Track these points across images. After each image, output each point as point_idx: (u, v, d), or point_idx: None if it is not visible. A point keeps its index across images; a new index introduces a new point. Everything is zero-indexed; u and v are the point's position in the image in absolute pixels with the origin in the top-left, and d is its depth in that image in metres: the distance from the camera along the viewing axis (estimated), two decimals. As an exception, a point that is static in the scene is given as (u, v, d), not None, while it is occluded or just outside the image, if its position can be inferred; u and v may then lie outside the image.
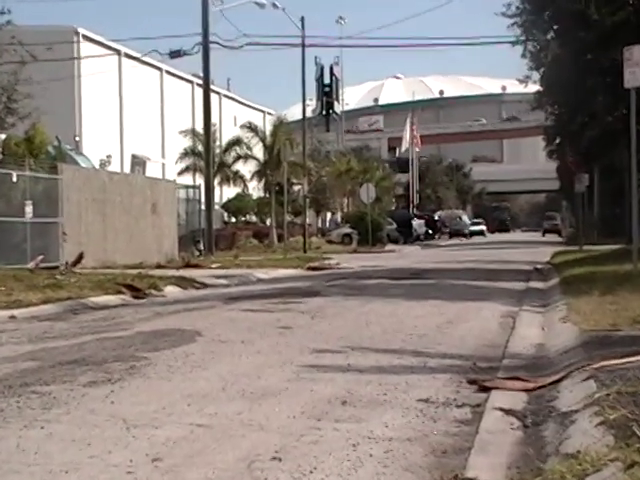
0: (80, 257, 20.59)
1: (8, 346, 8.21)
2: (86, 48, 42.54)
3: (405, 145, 79.35)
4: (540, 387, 5.95)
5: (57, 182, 22.01)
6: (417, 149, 79.52)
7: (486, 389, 5.88)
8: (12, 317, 10.68)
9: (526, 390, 5.89)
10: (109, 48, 44.81)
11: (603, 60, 23.22)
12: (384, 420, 5.08)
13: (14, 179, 20.39)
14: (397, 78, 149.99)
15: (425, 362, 7.21)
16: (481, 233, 79.20)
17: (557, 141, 40.63)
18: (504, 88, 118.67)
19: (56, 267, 19.61)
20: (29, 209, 20.60)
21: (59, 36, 36.72)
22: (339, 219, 52.80)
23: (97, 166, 31.49)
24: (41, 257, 19.84)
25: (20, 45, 24.38)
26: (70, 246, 21.60)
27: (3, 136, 24.70)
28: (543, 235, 74.96)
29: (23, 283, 14.08)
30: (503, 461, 4.22)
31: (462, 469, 4.04)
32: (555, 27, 26.19)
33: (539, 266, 23.30)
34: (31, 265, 18.89)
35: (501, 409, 5.25)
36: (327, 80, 41.71)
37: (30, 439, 4.61)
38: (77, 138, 41.35)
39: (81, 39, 42.78)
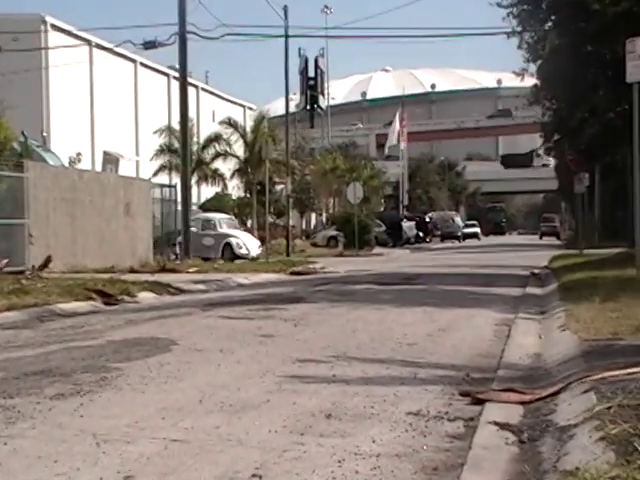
0: (47, 261, 20.49)
1: (-30, 356, 8.16)
2: (55, 38, 42.39)
3: (391, 141, 79.40)
4: (537, 399, 5.97)
5: (23, 180, 21.89)
6: (402, 145, 79.65)
7: (480, 402, 5.89)
8: (-26, 325, 10.62)
9: (522, 403, 5.91)
10: (79, 38, 44.66)
11: (604, 52, 23.37)
12: (371, 435, 5.08)
13: (-23, 177, 20.28)
14: (386, 71, 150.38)
15: (415, 373, 7.21)
16: (475, 236, 79.45)
17: (555, 138, 40.81)
18: (500, 82, 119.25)
19: (22, 271, 19.50)
20: (-7, 209, 20.48)
21: (26, 25, 36.59)
22: (324, 220, 52.94)
23: (66, 164, 31.37)
24: (5, 261, 19.73)
25: (-17, 34, 24.32)
26: (37, 249, 21.49)
27: (-35, 131, 24.57)
28: (541, 238, 75.29)
29: (-14, 289, 14.00)
30: (498, 479, 4.23)
31: (454, 487, 4.05)
32: (553, 17, 26.33)
33: (536, 271, 23.39)
34: (-5, 269, 18.77)
35: (496, 423, 5.26)
36: (312, 73, 41.75)
37: (-7, 456, 4.58)
38: (45, 134, 41.22)
39: (49, 28, 42.63)
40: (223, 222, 35.82)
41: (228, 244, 34.01)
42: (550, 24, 26.85)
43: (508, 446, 4.84)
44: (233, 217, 40.19)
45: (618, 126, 26.04)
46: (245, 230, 47.45)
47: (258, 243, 35.07)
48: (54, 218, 22.99)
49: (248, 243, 34.48)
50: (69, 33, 44.38)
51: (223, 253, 33.75)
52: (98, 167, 42.34)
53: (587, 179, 33.34)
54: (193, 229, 32.42)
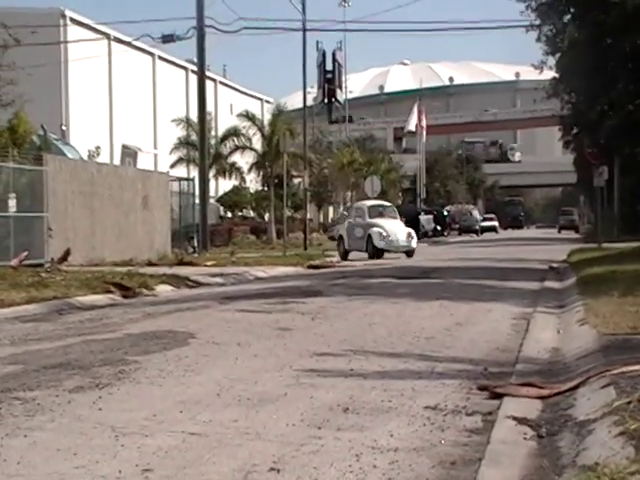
0: (66, 254, 20.58)
1: (-11, 349, 8.21)
2: (73, 32, 42.52)
3: (408, 128, 79.04)
4: (556, 394, 5.94)
5: (42, 174, 22.00)
6: (423, 140, 79.45)
7: (498, 396, 5.87)
8: (-6, 318, 10.68)
9: (541, 397, 5.88)
10: (98, 32, 44.82)
11: (624, 45, 23.21)
12: (389, 429, 5.07)
13: (-4, 171, 20.39)
14: (404, 64, 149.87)
15: (433, 367, 7.20)
16: (493, 229, 79.13)
17: (574, 131, 40.58)
18: (518, 75, 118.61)
19: (41, 264, 19.61)
20: (12, 203, 20.59)
21: (45, 19, 36.73)
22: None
23: (85, 157, 31.48)
24: (25, 254, 19.84)
25: (3, 28, 24.41)
26: (56, 242, 21.60)
27: (-16, 125, 24.68)
28: (559, 232, 74.92)
29: (6, 281, 14.09)
30: (516, 473, 4.21)
31: (472, 482, 4.04)
32: (572, 10, 26.18)
33: (555, 265, 23.28)
34: (14, 262, 18.88)
35: (514, 417, 5.24)
36: (329, 66, 41.62)
37: (12, 448, 4.61)
38: (64, 127, 41.40)
39: (68, 22, 42.76)
40: (371, 209, 31.74)
41: (369, 236, 29.96)
42: (569, 17, 26.71)
43: (526, 441, 4.82)
44: (386, 203, 34.85)
45: (637, 119, 25.89)
46: (261, 223, 47.54)
47: (408, 232, 30.60)
48: (73, 211, 23.09)
49: (396, 233, 29.96)
50: (88, 27, 44.53)
51: (367, 247, 30.11)
52: (117, 160, 42.48)
53: (606, 172, 33.14)
54: (350, 220, 31.79)
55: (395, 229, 30.20)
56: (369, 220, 30.53)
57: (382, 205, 33.49)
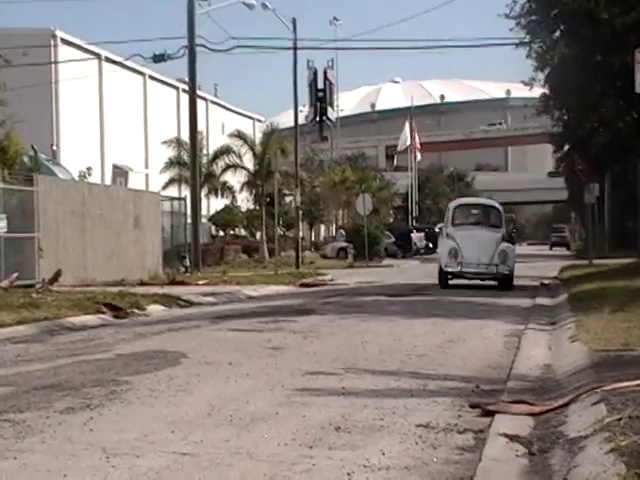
0: (57, 274, 20.52)
1: (-20, 370, 8.18)
2: (64, 52, 42.56)
3: (402, 145, 79.29)
4: (547, 411, 5.96)
5: (33, 194, 21.96)
6: (418, 157, 79.62)
7: (490, 413, 5.89)
8: (-16, 339, 10.64)
9: (532, 414, 5.89)
10: (89, 52, 44.85)
11: (613, 62, 23.36)
12: (381, 447, 5.07)
13: (-13, 191, 20.35)
14: (395, 82, 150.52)
15: (425, 385, 7.20)
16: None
17: (565, 148, 40.77)
18: (508, 92, 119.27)
19: (32, 285, 19.55)
20: (3, 223, 20.53)
21: (35, 39, 36.67)
22: (343, 232, 52.83)
23: (76, 177, 31.47)
24: (15, 274, 19.78)
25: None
26: (47, 263, 21.54)
27: (-25, 146, 24.69)
28: (551, 248, 75.06)
29: (-4, 302, 14.03)
30: (507, 491, 4.22)
31: (464, 499, 4.04)
32: (562, 27, 26.35)
33: (546, 281, 23.36)
34: (5, 283, 18.82)
35: (505, 435, 5.25)
36: (321, 85, 41.69)
37: (2, 471, 4.59)
38: (54, 147, 41.36)
39: (59, 42, 42.81)
40: (459, 212, 23.69)
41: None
42: (559, 34, 26.87)
43: (518, 458, 4.83)
44: (488, 202, 26.67)
45: (627, 136, 26.02)
46: (253, 242, 47.53)
47: (501, 250, 21.55)
48: (64, 232, 23.04)
49: (476, 251, 21.64)
50: (79, 47, 44.57)
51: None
52: (108, 180, 42.50)
53: (597, 190, 33.26)
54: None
55: (476, 244, 21.49)
56: (450, 229, 22.53)
57: (479, 205, 25.18)
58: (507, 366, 8.32)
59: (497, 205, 24.53)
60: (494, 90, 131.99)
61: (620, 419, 4.94)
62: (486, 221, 22.96)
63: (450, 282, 21.99)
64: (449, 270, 21.68)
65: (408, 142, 77.48)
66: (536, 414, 5.90)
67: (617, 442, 4.45)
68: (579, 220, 63.66)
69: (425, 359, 8.85)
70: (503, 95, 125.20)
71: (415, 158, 78.64)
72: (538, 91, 32.34)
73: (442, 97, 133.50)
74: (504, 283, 21.26)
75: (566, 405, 5.98)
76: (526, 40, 27.09)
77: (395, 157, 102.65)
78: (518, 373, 7.87)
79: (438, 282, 21.81)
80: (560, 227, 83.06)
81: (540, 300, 17.50)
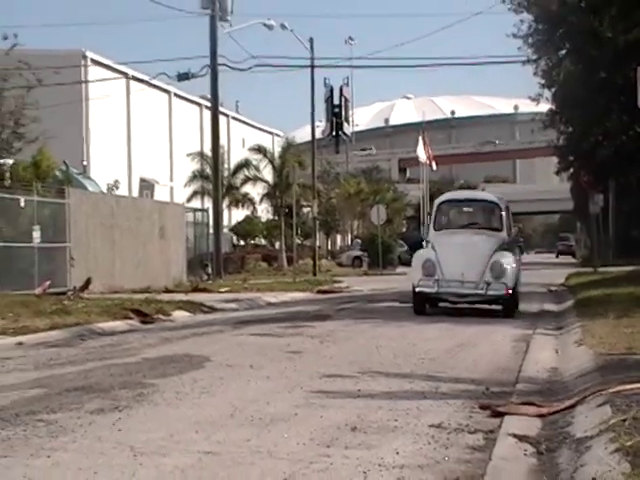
0: (88, 282, 20.63)
1: (15, 373, 8.22)
2: (94, 71, 42.84)
3: (422, 158, 79.22)
4: (554, 412, 5.93)
5: (64, 207, 22.10)
6: (434, 168, 79.44)
7: (499, 414, 5.86)
8: (19, 344, 10.69)
9: (540, 415, 5.87)
10: (117, 71, 45.10)
11: (616, 78, 23.30)
12: (395, 447, 5.06)
13: (22, 204, 20.49)
14: (407, 98, 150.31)
15: (437, 387, 7.19)
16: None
17: (570, 159, 40.64)
18: (516, 107, 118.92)
19: (64, 292, 19.64)
20: (37, 234, 20.67)
21: (67, 60, 36.99)
22: (359, 241, 52.84)
23: (105, 190, 31.62)
24: (48, 282, 19.89)
25: (27, 69, 24.64)
26: (78, 271, 21.65)
27: (10, 161, 24.84)
28: (557, 257, 74.79)
29: (30, 309, 14.09)
30: (517, 488, 4.20)
31: (475, 497, 4.03)
32: (567, 45, 26.32)
33: (553, 288, 23.25)
34: (38, 291, 18.92)
35: (515, 435, 5.23)
36: (337, 101, 41.79)
37: (36, 468, 4.61)
38: (85, 162, 41.56)
39: (89, 62, 43.09)
40: (445, 210, 16.98)
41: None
42: (564, 52, 26.84)
43: (527, 457, 4.81)
44: (486, 196, 18.80)
45: (631, 149, 25.93)
46: (273, 250, 47.50)
47: (499, 265, 14.95)
48: (94, 242, 23.16)
49: (462, 266, 15.07)
50: (107, 67, 44.82)
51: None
52: (135, 193, 42.65)
53: (601, 200, 33.14)
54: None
55: (460, 254, 15.18)
56: (431, 235, 16.19)
57: (472, 201, 17.82)
58: (516, 369, 8.29)
59: (497, 200, 16.71)
60: (503, 106, 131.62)
61: (625, 420, 4.92)
62: (480, 222, 16.50)
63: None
64: (423, 291, 15.06)
65: (424, 155, 77.39)
66: (544, 415, 5.87)
67: (622, 442, 4.43)
68: (584, 229, 63.34)
69: (437, 362, 8.82)
70: (511, 110, 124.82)
71: (431, 169, 78.44)
72: (545, 106, 32.27)
73: (453, 112, 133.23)
74: (502, 307, 14.94)
75: (573, 407, 5.95)
76: (533, 58, 27.09)
77: (407, 170, 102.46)
78: (526, 376, 7.83)
79: (413, 307, 15.47)
80: (566, 236, 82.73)
81: (547, 306, 17.49)
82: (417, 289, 15.23)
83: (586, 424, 5.29)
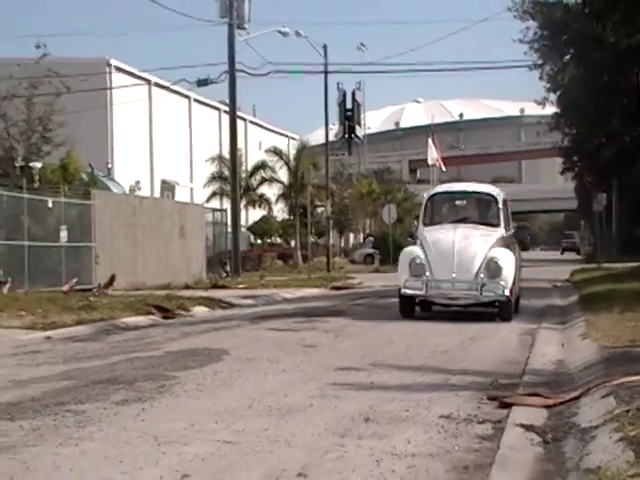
0: (112, 279, 20.70)
1: (44, 366, 8.26)
2: (118, 78, 42.93)
3: (431, 160, 79.05)
4: (560, 403, 5.91)
5: (90, 207, 22.20)
6: (443, 169, 79.25)
7: (507, 405, 5.85)
8: (48, 338, 10.74)
9: (546, 406, 5.85)
10: (139, 78, 45.18)
11: (619, 81, 23.21)
12: (406, 436, 5.05)
13: (50, 205, 20.60)
14: (417, 102, 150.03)
15: (447, 379, 7.17)
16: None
17: (574, 159, 40.50)
18: (522, 110, 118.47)
19: (89, 289, 19.73)
20: (64, 234, 20.78)
21: (92, 67, 37.11)
22: (372, 239, 52.79)
23: (128, 191, 31.72)
24: (75, 280, 19.99)
25: (56, 76, 24.79)
26: (102, 269, 21.74)
27: (39, 164, 24.98)
28: (562, 253, 74.43)
29: (58, 305, 14.17)
30: (524, 477, 4.19)
31: (484, 484, 4.02)
32: (572, 50, 26.26)
33: (558, 284, 23.15)
34: (66, 287, 19.02)
35: (522, 425, 5.21)
36: (349, 105, 41.75)
37: (65, 456, 4.63)
38: (109, 165, 41.66)
39: (113, 70, 43.19)
40: (438, 202, 15.09)
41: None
42: (568, 57, 26.77)
43: (533, 446, 4.80)
44: (486, 189, 15.73)
45: (632, 150, 25.82)
46: (288, 249, 47.53)
47: (495, 263, 12.98)
48: (117, 241, 23.24)
49: (453, 265, 13.09)
50: (130, 74, 44.91)
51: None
52: (157, 194, 42.74)
53: (604, 199, 32.96)
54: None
55: (451, 252, 13.07)
56: (420, 231, 14.17)
57: (467, 193, 15.48)
58: (522, 362, 8.26)
59: (494, 192, 14.79)
60: (509, 109, 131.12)
61: (628, 411, 4.89)
62: (475, 216, 14.63)
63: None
64: (409, 293, 13.17)
65: (435, 157, 77.20)
66: (550, 406, 5.85)
67: (626, 432, 4.41)
68: (588, 227, 63.05)
69: (447, 356, 8.81)
70: (517, 113, 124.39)
71: (440, 170, 78.22)
72: (550, 109, 32.20)
73: (461, 115, 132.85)
74: (499, 310, 12.93)
75: (578, 398, 5.93)
76: (538, 63, 27.04)
77: (418, 171, 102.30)
78: (533, 368, 7.81)
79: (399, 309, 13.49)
80: (570, 234, 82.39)
81: (553, 301, 17.39)
82: (403, 291, 13.13)
83: (591, 414, 5.26)
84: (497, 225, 13.86)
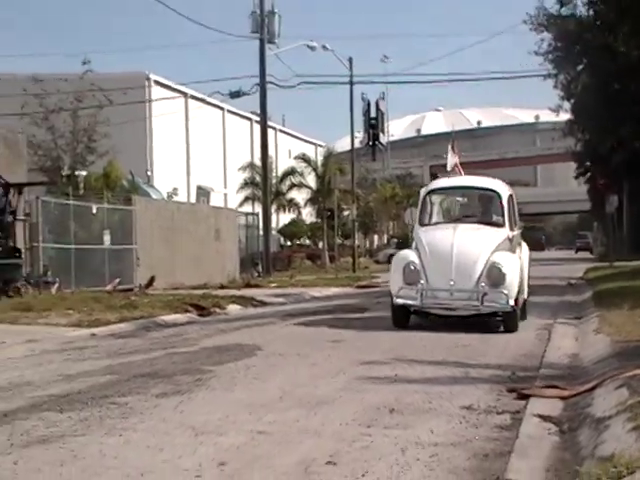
0: (152, 280, 20.83)
1: (89, 361, 8.32)
2: (156, 92, 43.22)
3: (450, 166, 78.79)
4: (575, 395, 5.86)
5: (131, 212, 22.36)
6: (462, 174, 78.95)
7: (524, 397, 5.81)
8: (93, 335, 10.83)
9: (562, 398, 5.80)
10: (176, 91, 45.45)
11: (630, 90, 22.99)
12: (430, 426, 5.04)
13: (94, 211, 20.77)
14: (437, 111, 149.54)
15: (467, 372, 7.13)
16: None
17: (587, 164, 40.17)
18: (537, 117, 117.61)
19: (131, 289, 19.87)
20: (107, 237, 20.95)
21: (133, 81, 37.34)
22: (395, 240, 52.71)
23: (166, 197, 31.91)
24: (118, 280, 20.14)
25: (99, 91, 25.06)
26: (143, 270, 21.88)
27: (84, 173, 25.23)
28: (576, 252, 73.85)
29: (102, 304, 14.27)
30: (541, 464, 4.16)
31: (503, 472, 3.99)
32: (584, 60, 26.05)
33: (572, 281, 22.93)
34: (109, 287, 19.17)
35: (539, 415, 5.18)
36: (373, 114, 41.73)
37: (110, 445, 4.67)
38: (148, 172, 41.97)
39: (152, 84, 43.50)
40: (435, 198, 13.04)
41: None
42: (581, 67, 26.56)
43: (550, 436, 4.76)
44: (488, 184, 12.85)
45: (643, 154, 25.57)
46: (316, 250, 47.52)
47: (497, 270, 10.82)
48: (157, 244, 23.38)
49: (450, 272, 10.91)
50: (168, 87, 45.17)
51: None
52: (193, 199, 42.95)
53: (616, 201, 32.65)
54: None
55: (449, 256, 11.03)
56: (416, 231, 12.21)
57: (467, 189, 13.35)
58: (539, 355, 8.20)
59: (497, 187, 12.43)
60: (525, 116, 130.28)
61: (640, 402, 4.84)
62: (477, 215, 12.70)
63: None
64: (400, 302, 11.14)
65: (453, 162, 76.91)
66: (565, 397, 5.81)
67: (638, 421, 4.36)
68: (601, 228, 62.46)
69: (468, 350, 8.75)
70: (533, 120, 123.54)
71: (460, 175, 77.94)
72: (564, 116, 31.97)
73: (479, 123, 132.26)
74: (503, 321, 10.95)
75: (592, 389, 5.87)
76: (553, 73, 26.86)
77: (438, 175, 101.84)
78: (549, 361, 7.75)
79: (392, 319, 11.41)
80: (584, 234, 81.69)
81: (567, 297, 17.24)
82: (396, 301, 11.08)
83: (605, 405, 5.21)
84: (501, 224, 11.70)
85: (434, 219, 12.35)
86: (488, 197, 12.45)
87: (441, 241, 11.22)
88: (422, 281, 10.93)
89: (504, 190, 12.29)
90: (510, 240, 11.62)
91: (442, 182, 13.88)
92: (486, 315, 10.98)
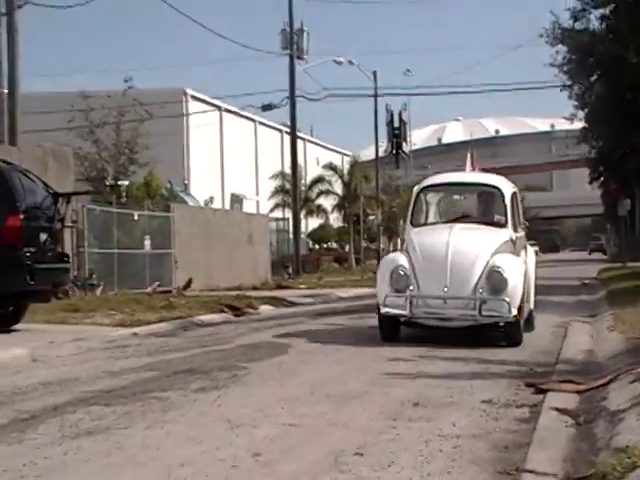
0: (189, 282, 20.95)
1: (132, 359, 8.39)
2: (193, 105, 43.52)
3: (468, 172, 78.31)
4: (591, 389, 5.80)
5: (170, 219, 22.52)
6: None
7: (542, 391, 5.77)
8: (134, 334, 10.90)
9: (578, 392, 5.75)
10: (211, 105, 45.74)
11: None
12: (452, 419, 5.02)
13: (135, 218, 20.95)
14: (457, 120, 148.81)
15: (487, 368, 7.09)
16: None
17: (601, 170, 39.73)
18: (553, 126, 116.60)
19: (170, 291, 19.99)
20: (147, 242, 21.12)
21: (171, 96, 37.65)
22: None
23: (202, 204, 32.09)
24: (157, 283, 20.28)
25: (139, 105, 25.30)
26: (181, 273, 22.02)
27: (126, 182, 25.47)
28: (590, 254, 73.09)
29: (143, 305, 14.36)
30: (559, 455, 4.13)
31: (522, 462, 3.97)
32: (598, 71, 25.81)
33: (587, 281, 22.69)
34: (149, 290, 19.31)
35: (556, 409, 5.14)
36: (396, 124, 41.73)
37: (152, 437, 4.70)
38: (186, 181, 42.22)
39: (189, 98, 43.81)
40: (429, 194, 10.96)
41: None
42: (595, 77, 26.32)
43: (567, 428, 4.72)
44: (488, 179, 11.09)
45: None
46: (343, 253, 47.51)
47: (497, 274, 8.92)
48: (194, 248, 23.51)
49: (446, 277, 8.94)
50: (204, 101, 45.45)
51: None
52: (227, 206, 43.16)
53: (628, 204, 32.29)
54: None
55: (443, 261, 9.00)
56: (408, 233, 10.12)
57: (465, 185, 11.45)
58: (556, 351, 8.13)
59: (499, 183, 10.54)
60: (541, 125, 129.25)
61: (653, 396, 4.78)
62: (476, 214, 10.93)
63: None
64: (389, 312, 9.25)
65: (470, 169, 76.47)
66: (581, 391, 5.75)
67: (651, 415, 4.31)
68: (614, 230, 61.81)
69: (487, 346, 8.69)
70: (548, 128, 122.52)
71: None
72: (578, 125, 31.69)
73: (497, 131, 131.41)
74: (504, 332, 9.04)
75: (607, 384, 5.81)
76: (568, 84, 26.67)
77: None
78: (565, 357, 7.68)
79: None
80: (597, 236, 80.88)
81: (582, 297, 17.05)
82: (383, 310, 9.24)
83: (619, 399, 5.16)
84: (503, 224, 9.83)
85: (428, 219, 10.54)
86: (489, 194, 10.51)
87: (435, 242, 9.34)
88: (412, 287, 9.04)
89: (506, 187, 10.36)
90: (513, 242, 9.78)
91: (437, 178, 11.57)
92: (484, 325, 9.09)
